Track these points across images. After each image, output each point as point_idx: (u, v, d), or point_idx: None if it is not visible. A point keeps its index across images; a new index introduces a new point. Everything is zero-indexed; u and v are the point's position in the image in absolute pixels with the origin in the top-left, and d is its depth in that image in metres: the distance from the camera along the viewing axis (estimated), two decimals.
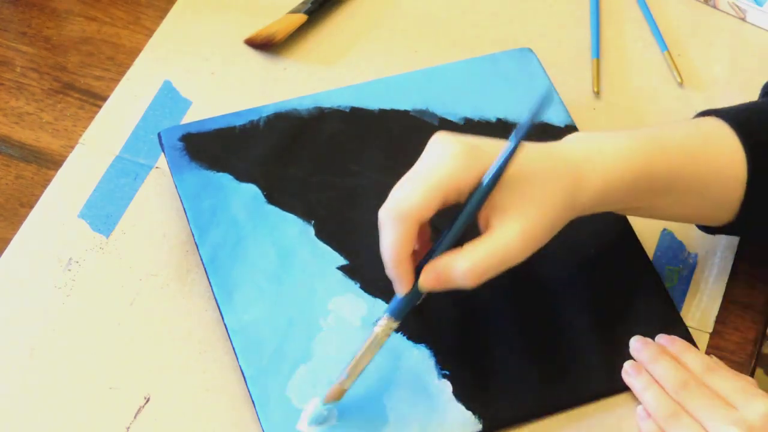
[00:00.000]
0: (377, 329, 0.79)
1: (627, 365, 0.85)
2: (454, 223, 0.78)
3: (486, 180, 0.76)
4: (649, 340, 0.86)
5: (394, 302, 0.79)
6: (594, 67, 1.03)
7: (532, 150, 0.79)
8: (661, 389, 0.84)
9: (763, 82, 0.95)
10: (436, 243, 0.78)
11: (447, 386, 0.84)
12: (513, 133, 0.76)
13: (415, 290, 0.78)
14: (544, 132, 0.96)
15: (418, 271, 0.78)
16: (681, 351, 0.86)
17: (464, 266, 0.76)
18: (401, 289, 0.78)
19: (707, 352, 0.89)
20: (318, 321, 0.86)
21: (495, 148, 0.77)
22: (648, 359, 0.85)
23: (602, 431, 0.84)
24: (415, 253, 0.78)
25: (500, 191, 0.77)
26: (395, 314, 0.79)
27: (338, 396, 0.81)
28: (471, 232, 0.78)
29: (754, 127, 0.84)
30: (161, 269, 0.89)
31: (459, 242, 0.78)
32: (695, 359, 0.85)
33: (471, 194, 0.77)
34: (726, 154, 0.84)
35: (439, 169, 0.77)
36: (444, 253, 0.77)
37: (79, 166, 0.94)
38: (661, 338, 0.87)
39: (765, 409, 0.80)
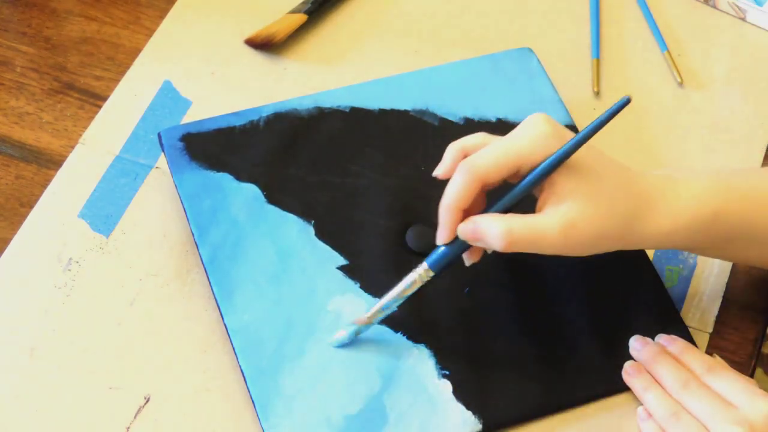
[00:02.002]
0: (414, 275, 0.82)
1: (627, 365, 0.86)
2: (509, 190, 0.80)
3: (554, 156, 0.78)
4: (648, 339, 0.86)
5: (434, 253, 0.81)
6: (594, 67, 1.03)
7: (612, 160, 0.80)
8: (662, 389, 0.84)
9: (763, 82, 0.95)
10: (491, 203, 0.80)
11: (447, 386, 0.84)
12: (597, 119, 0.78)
13: (454, 243, 0.80)
14: None
15: None
16: (681, 351, 0.86)
17: (500, 227, 0.78)
18: (443, 236, 0.80)
19: (707, 352, 0.89)
20: (318, 321, 0.86)
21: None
22: (648, 359, 0.85)
23: (602, 431, 0.84)
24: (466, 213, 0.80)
25: (566, 179, 0.78)
26: (433, 264, 0.81)
27: (362, 321, 0.84)
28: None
29: None
30: (161, 269, 0.89)
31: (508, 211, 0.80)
32: (696, 359, 0.85)
33: (535, 167, 0.78)
34: None
35: (522, 139, 0.79)
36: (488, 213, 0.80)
37: (79, 166, 0.94)
38: (661, 338, 0.87)
39: (766, 406, 0.80)
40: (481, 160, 0.79)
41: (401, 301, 0.83)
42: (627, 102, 0.76)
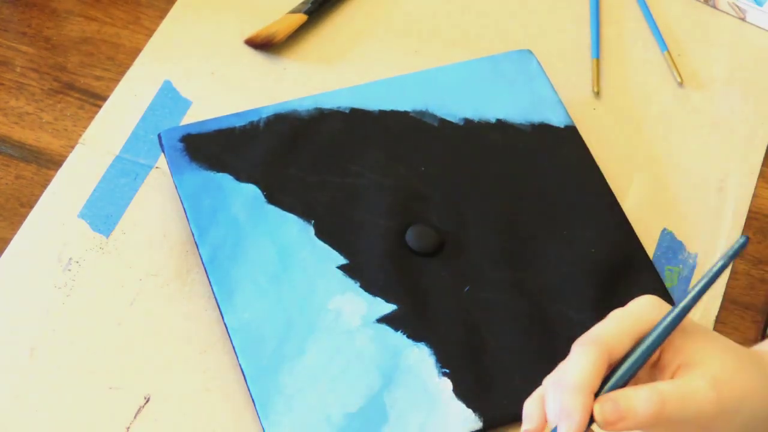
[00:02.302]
0: None
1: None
2: (631, 354, 0.69)
3: (679, 307, 0.69)
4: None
5: None
6: (594, 67, 1.03)
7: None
8: None
9: (763, 82, 0.95)
10: (608, 376, 0.69)
11: (447, 384, 0.84)
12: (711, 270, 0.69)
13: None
14: (543, 132, 0.96)
15: None
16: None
17: (650, 398, 0.67)
18: (576, 423, 0.67)
19: None
20: (318, 320, 0.86)
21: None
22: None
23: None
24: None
25: (691, 340, 0.69)
26: None
27: None
28: None
29: None
30: (161, 269, 0.89)
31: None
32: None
33: (658, 325, 0.69)
34: None
35: (638, 308, 0.70)
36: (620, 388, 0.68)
37: (79, 166, 0.94)
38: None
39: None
40: (604, 331, 0.68)
41: None
42: (745, 243, 0.68)
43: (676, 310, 0.68)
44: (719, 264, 0.68)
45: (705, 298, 0.91)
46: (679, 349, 0.69)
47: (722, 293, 0.92)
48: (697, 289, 0.68)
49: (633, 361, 0.68)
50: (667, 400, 0.67)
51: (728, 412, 0.68)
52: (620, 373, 0.68)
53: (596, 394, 0.67)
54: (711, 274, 0.68)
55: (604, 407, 0.67)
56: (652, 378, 0.70)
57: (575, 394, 0.67)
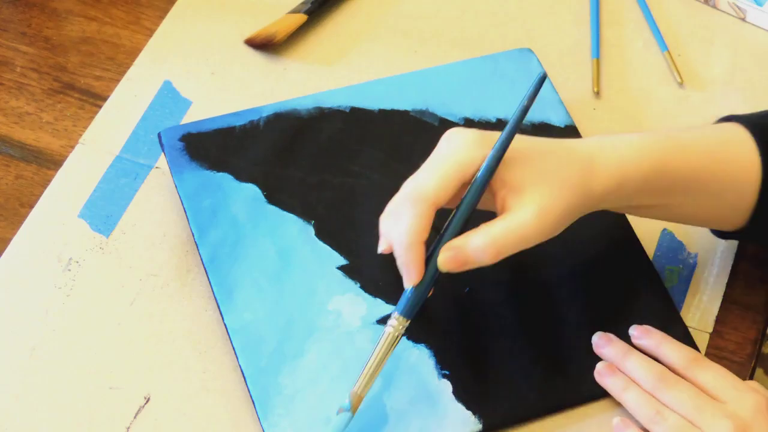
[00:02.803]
0: (389, 329, 0.78)
1: (600, 366, 0.84)
2: (462, 201, 0.78)
3: (493, 150, 0.77)
4: (612, 336, 0.85)
5: (403, 299, 0.78)
6: (594, 67, 1.03)
7: (542, 140, 0.80)
8: (641, 388, 0.82)
9: (763, 82, 0.95)
10: (445, 226, 0.78)
11: (447, 386, 0.84)
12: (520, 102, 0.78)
13: (425, 280, 0.78)
14: (544, 132, 0.96)
15: (426, 260, 0.78)
16: (659, 342, 0.85)
17: (483, 241, 0.76)
18: (412, 277, 0.77)
19: (707, 353, 0.89)
20: (318, 321, 0.86)
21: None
22: (616, 357, 0.84)
23: (602, 431, 0.84)
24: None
25: (514, 169, 0.77)
26: (406, 312, 0.78)
27: (356, 404, 0.79)
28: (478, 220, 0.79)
29: None
30: (161, 269, 0.89)
31: (467, 227, 0.78)
32: (674, 351, 0.84)
33: (478, 169, 0.77)
34: (742, 159, 0.83)
35: (454, 154, 0.78)
36: (458, 236, 0.77)
37: (79, 166, 0.94)
38: (634, 329, 0.86)
39: (755, 401, 0.79)
40: (425, 185, 0.77)
41: (382, 365, 0.78)
42: (543, 78, 0.76)
43: (493, 152, 0.77)
44: (523, 101, 0.78)
45: (705, 298, 0.91)
46: (505, 181, 0.77)
47: (722, 293, 0.92)
48: (511, 124, 0.77)
49: (464, 208, 0.77)
50: (498, 240, 0.76)
51: (553, 231, 0.78)
52: (455, 222, 0.77)
53: (440, 242, 0.77)
54: (518, 112, 0.78)
55: (445, 257, 0.77)
56: (483, 202, 0.79)
57: (407, 252, 0.77)
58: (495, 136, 0.79)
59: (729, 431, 0.78)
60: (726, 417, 0.78)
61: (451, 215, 0.79)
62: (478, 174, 0.77)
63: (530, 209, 0.77)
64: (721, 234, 0.90)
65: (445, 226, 0.79)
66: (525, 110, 0.78)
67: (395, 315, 0.78)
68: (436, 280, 0.79)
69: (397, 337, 0.79)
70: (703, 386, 0.81)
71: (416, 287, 0.78)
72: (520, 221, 0.77)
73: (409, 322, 0.79)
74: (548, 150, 0.80)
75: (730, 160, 0.83)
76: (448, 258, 0.77)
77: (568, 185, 0.78)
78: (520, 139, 0.79)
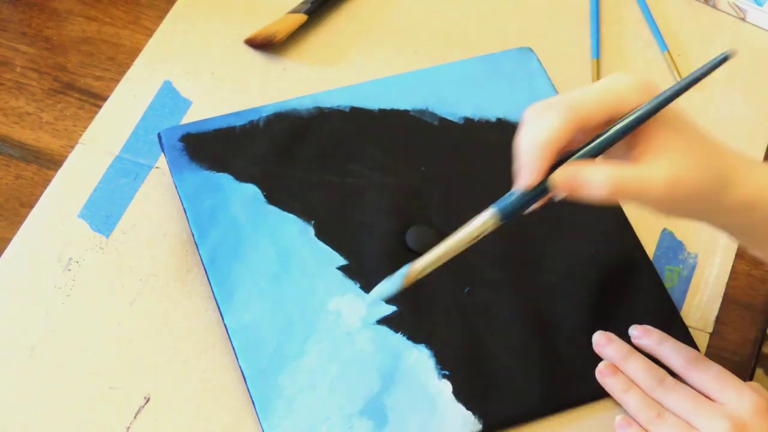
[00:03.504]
0: (479, 221, 0.74)
1: (601, 366, 0.84)
2: (604, 132, 0.74)
3: (656, 99, 0.73)
4: (612, 336, 0.86)
5: (506, 198, 0.73)
6: (594, 67, 1.03)
7: (695, 121, 0.76)
8: (642, 390, 0.83)
9: (763, 82, 0.95)
10: (577, 150, 0.74)
11: (447, 386, 0.84)
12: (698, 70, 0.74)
13: (539, 187, 0.72)
14: None
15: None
16: (659, 342, 0.85)
17: (606, 174, 0.71)
18: (530, 176, 0.72)
19: (707, 353, 0.89)
20: (318, 321, 0.86)
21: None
22: (618, 358, 0.84)
23: (602, 431, 0.84)
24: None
25: (666, 129, 0.74)
26: (505, 210, 0.73)
27: (409, 281, 0.75)
28: None
29: None
30: (161, 269, 0.89)
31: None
32: (674, 350, 0.84)
33: (633, 110, 0.73)
34: None
35: (619, 84, 0.74)
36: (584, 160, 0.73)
37: (79, 166, 0.94)
38: (634, 329, 0.86)
39: (752, 401, 0.79)
40: (583, 97, 0.72)
41: (453, 254, 0.75)
42: (726, 58, 0.72)
43: (657, 99, 0.73)
44: (701, 70, 0.73)
45: (705, 298, 0.91)
46: (650, 136, 0.73)
47: (722, 293, 0.92)
48: (682, 83, 0.73)
49: (605, 138, 0.73)
50: (623, 183, 0.72)
51: (674, 205, 0.74)
52: (591, 146, 0.73)
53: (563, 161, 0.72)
54: (691, 78, 0.73)
55: (565, 171, 0.72)
56: (615, 150, 0.74)
57: (537, 150, 0.71)
58: (660, 88, 0.74)
59: (726, 431, 0.78)
60: (724, 417, 0.78)
61: (586, 143, 0.74)
62: (633, 114, 0.73)
63: (664, 172, 0.72)
64: None
65: (579, 149, 0.74)
66: (698, 77, 0.74)
67: (492, 209, 0.74)
68: (543, 194, 0.73)
69: (483, 232, 0.74)
70: (702, 386, 0.82)
71: (525, 192, 0.73)
72: (651, 177, 0.72)
73: (500, 224, 0.74)
74: (703, 133, 0.76)
75: None
76: (566, 175, 0.72)
77: (709, 168, 0.74)
78: (681, 109, 0.76)
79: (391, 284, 0.76)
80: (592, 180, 0.72)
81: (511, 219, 0.74)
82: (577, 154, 0.73)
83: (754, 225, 0.79)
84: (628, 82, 0.74)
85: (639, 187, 0.72)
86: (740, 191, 0.76)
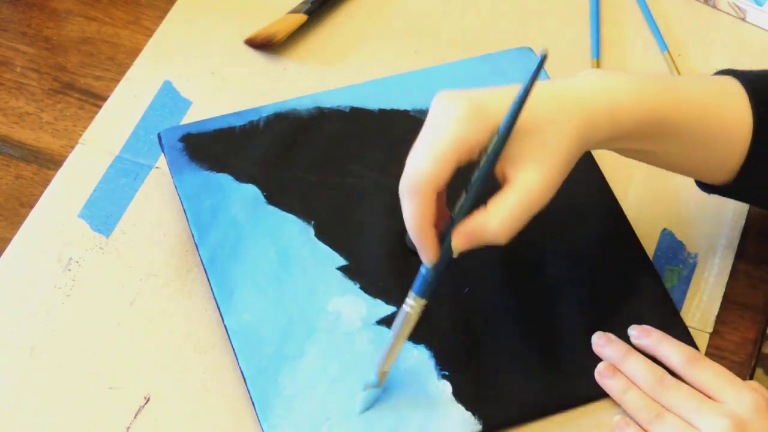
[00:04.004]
0: (408, 309, 0.79)
1: (601, 366, 0.84)
2: (470, 183, 0.77)
3: (500, 132, 0.75)
4: (612, 336, 0.86)
5: (418, 279, 0.79)
6: (594, 67, 1.03)
7: (538, 94, 0.77)
8: (641, 391, 0.83)
9: None
10: (457, 206, 0.77)
11: (447, 387, 0.84)
12: (522, 86, 0.75)
13: (441, 260, 0.77)
14: None
15: (441, 239, 0.77)
16: (658, 342, 0.85)
17: (495, 224, 0.76)
18: (429, 256, 0.77)
19: (707, 352, 0.89)
20: (318, 321, 0.86)
21: (499, 100, 0.76)
22: (617, 358, 0.84)
23: (602, 431, 0.84)
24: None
25: (512, 142, 0.76)
26: (422, 292, 0.79)
27: (382, 379, 0.81)
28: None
29: (766, 92, 0.84)
30: (161, 269, 0.89)
31: (480, 200, 0.77)
32: (673, 350, 0.84)
33: (484, 150, 0.76)
34: (734, 113, 0.83)
35: (448, 133, 0.76)
36: (470, 215, 0.77)
37: (79, 166, 0.94)
38: (634, 329, 0.86)
39: (752, 399, 0.79)
40: (421, 173, 0.76)
41: (402, 343, 0.80)
42: (544, 58, 0.74)
43: (497, 140, 0.75)
44: (528, 79, 0.74)
45: (705, 298, 0.91)
46: (510, 156, 0.76)
47: (722, 293, 0.92)
48: (516, 101, 0.75)
49: (471, 194, 0.77)
50: (512, 215, 0.76)
51: (555, 191, 0.77)
52: (465, 204, 0.77)
53: (452, 225, 0.77)
54: (522, 92, 0.75)
55: (459, 240, 0.77)
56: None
57: (417, 238, 0.77)
58: (488, 106, 0.76)
59: (726, 429, 0.78)
60: (724, 416, 0.79)
61: (461, 196, 0.77)
62: (482, 162, 0.76)
63: (533, 177, 0.76)
64: (706, 187, 0.89)
65: (456, 206, 0.77)
66: (525, 96, 0.75)
67: (412, 295, 0.79)
68: (450, 259, 0.78)
69: (414, 317, 0.79)
70: (702, 385, 0.82)
71: (432, 267, 0.78)
72: (527, 191, 0.76)
73: (425, 302, 0.79)
74: (544, 114, 0.77)
75: (723, 113, 0.83)
76: (462, 242, 0.77)
77: (567, 145, 0.77)
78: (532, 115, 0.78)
79: (372, 391, 0.82)
80: (486, 233, 0.76)
81: (432, 294, 0.79)
82: (458, 215, 0.77)
83: (624, 141, 0.82)
84: (457, 123, 0.76)
85: (526, 208, 0.76)
86: (597, 131, 0.79)
